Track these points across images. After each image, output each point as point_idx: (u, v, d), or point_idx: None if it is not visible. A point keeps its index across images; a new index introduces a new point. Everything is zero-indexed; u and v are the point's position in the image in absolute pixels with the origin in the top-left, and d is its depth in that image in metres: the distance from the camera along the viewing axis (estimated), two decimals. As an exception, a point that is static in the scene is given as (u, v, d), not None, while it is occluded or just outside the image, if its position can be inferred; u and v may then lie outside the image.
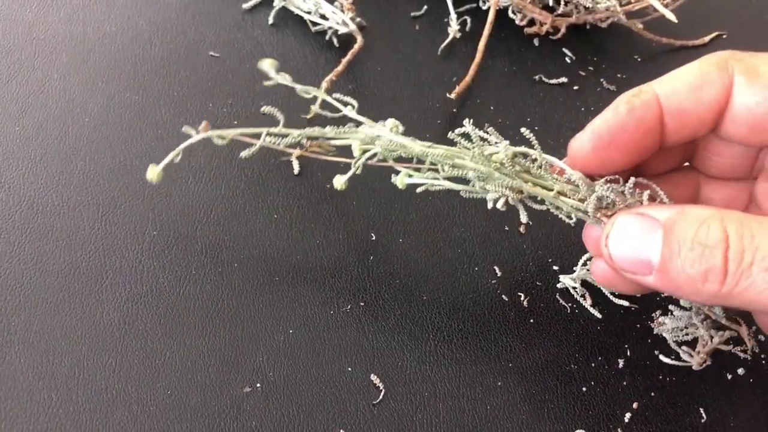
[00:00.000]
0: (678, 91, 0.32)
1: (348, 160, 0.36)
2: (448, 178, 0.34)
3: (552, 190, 0.34)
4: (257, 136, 0.35)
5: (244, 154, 0.35)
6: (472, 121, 0.34)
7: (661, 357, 0.38)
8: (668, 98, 0.32)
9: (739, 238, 0.27)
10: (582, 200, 0.33)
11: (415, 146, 0.34)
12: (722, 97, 0.31)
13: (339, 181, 0.36)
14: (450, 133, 0.35)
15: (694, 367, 0.38)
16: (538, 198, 0.34)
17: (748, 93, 0.31)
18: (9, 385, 0.35)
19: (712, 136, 0.34)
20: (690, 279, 0.28)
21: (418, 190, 0.35)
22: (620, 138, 0.32)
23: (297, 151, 0.37)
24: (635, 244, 0.30)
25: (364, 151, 0.35)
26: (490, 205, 0.34)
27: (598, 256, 0.35)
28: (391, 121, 0.35)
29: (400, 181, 0.34)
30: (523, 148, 0.34)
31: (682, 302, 0.39)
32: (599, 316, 0.40)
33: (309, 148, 0.37)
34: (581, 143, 0.33)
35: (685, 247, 0.28)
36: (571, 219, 0.34)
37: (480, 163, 0.33)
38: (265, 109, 0.35)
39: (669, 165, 0.37)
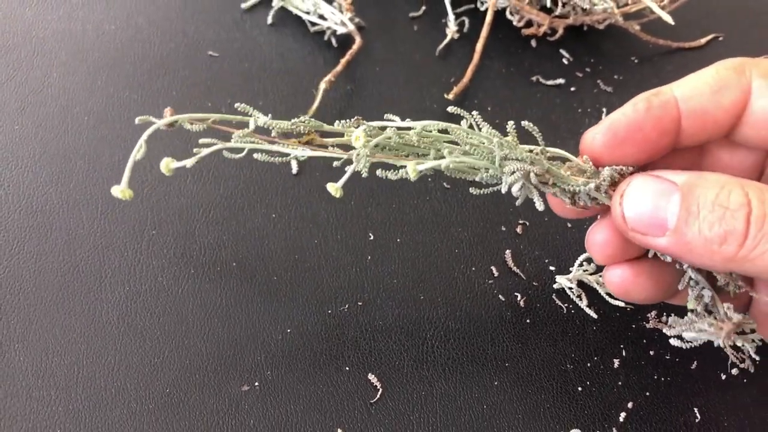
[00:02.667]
0: (697, 94, 0.32)
1: (347, 155, 0.32)
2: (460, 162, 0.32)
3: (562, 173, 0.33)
4: (240, 126, 0.32)
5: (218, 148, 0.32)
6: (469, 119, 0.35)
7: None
8: (687, 101, 0.32)
9: (762, 203, 0.27)
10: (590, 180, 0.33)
11: (427, 125, 0.32)
12: (740, 101, 0.31)
13: (333, 188, 0.31)
14: (451, 107, 0.33)
15: (717, 342, 0.35)
16: (549, 182, 0.33)
17: (767, 94, 0.31)
18: (8, 383, 0.35)
19: (723, 141, 0.34)
20: (707, 241, 0.28)
21: (423, 174, 0.32)
22: (635, 135, 0.32)
23: (293, 141, 0.33)
24: (651, 204, 0.30)
25: (366, 143, 0.31)
26: (505, 189, 0.32)
27: (603, 262, 0.35)
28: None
29: (412, 170, 0.30)
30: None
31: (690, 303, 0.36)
32: (595, 316, 0.40)
33: (305, 139, 0.33)
34: (595, 136, 0.33)
35: (705, 208, 0.28)
36: (579, 200, 0.33)
37: (495, 144, 0.32)
38: (239, 106, 0.32)
39: (677, 167, 0.36)
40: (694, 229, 0.28)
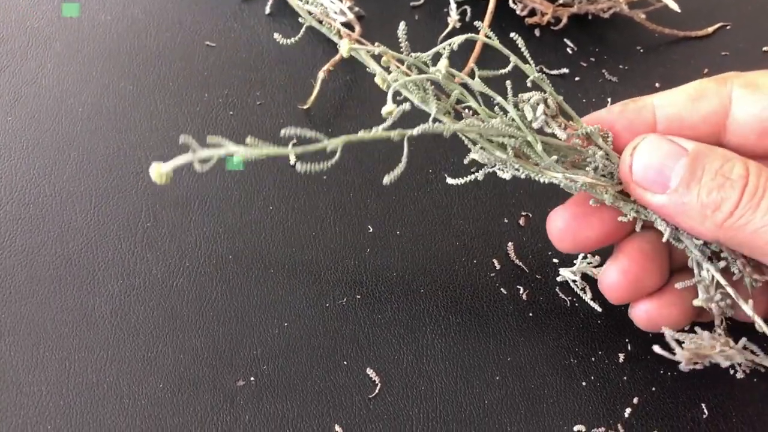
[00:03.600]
0: (675, 101, 0.33)
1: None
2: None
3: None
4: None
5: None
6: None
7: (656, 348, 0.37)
8: (664, 107, 0.34)
9: (757, 178, 0.29)
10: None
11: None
12: (719, 109, 0.33)
13: (344, 46, 0.32)
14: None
15: (681, 366, 0.36)
16: (561, 125, 0.33)
17: (750, 102, 0.32)
18: (-2, 378, 0.35)
19: None
20: (703, 206, 0.30)
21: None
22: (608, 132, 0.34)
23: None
24: (659, 161, 0.31)
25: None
26: (530, 116, 0.33)
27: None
28: None
29: (443, 65, 0.32)
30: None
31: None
32: (599, 309, 0.39)
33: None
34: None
35: (708, 175, 0.30)
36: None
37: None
38: None
39: None
40: (694, 192, 0.30)
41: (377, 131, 0.30)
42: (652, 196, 0.31)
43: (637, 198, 0.33)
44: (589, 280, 0.40)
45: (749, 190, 0.29)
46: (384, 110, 0.31)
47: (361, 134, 0.30)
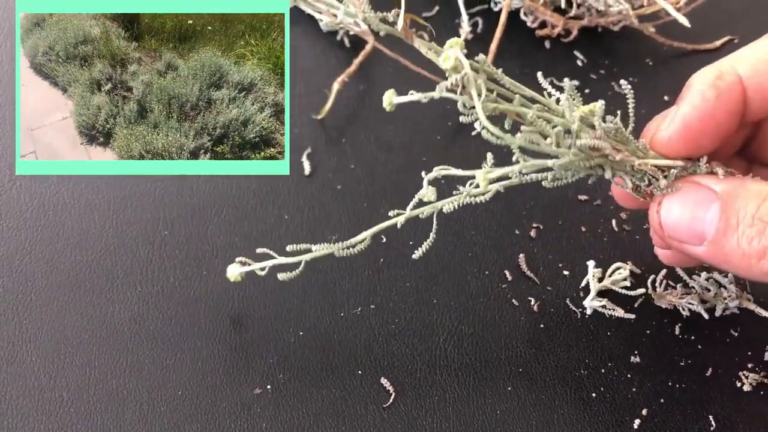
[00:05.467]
0: (761, 70, 0.31)
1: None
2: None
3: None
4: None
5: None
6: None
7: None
8: (751, 78, 0.31)
9: None
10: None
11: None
12: None
13: (388, 98, 0.32)
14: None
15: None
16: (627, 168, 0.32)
17: None
18: (20, 384, 0.35)
19: None
20: (745, 255, 0.28)
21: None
22: (709, 125, 0.31)
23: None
24: (689, 214, 0.30)
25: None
26: (583, 141, 0.31)
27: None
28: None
29: (484, 179, 0.32)
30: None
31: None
32: (634, 316, 0.39)
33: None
34: (670, 134, 0.32)
35: (744, 222, 0.28)
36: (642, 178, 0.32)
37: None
38: None
39: (728, 150, 0.35)
40: (733, 242, 0.28)
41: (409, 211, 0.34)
42: (691, 247, 0.30)
43: (676, 248, 0.32)
44: (611, 295, 0.40)
45: None
46: (421, 195, 0.34)
47: (390, 221, 0.34)
